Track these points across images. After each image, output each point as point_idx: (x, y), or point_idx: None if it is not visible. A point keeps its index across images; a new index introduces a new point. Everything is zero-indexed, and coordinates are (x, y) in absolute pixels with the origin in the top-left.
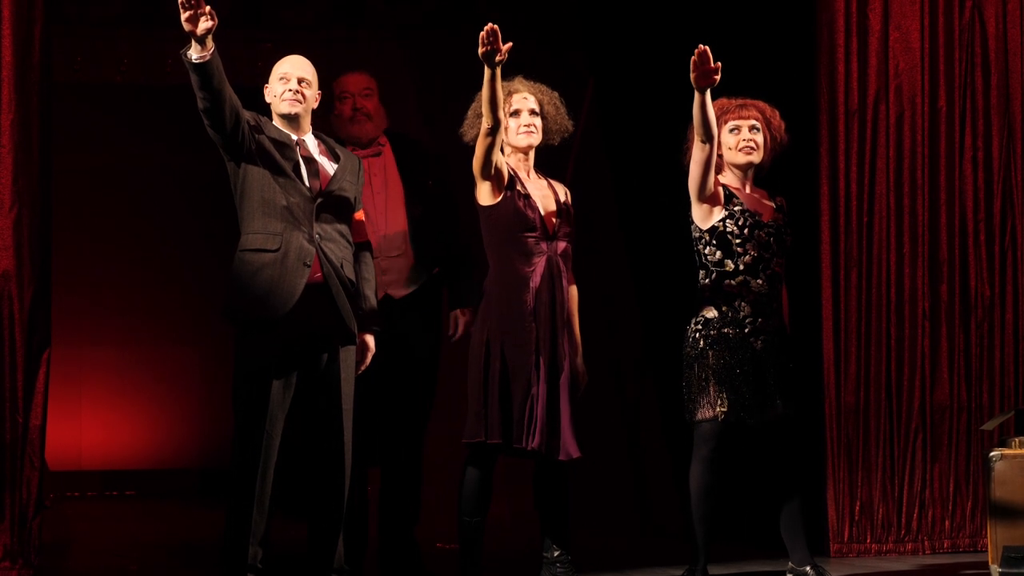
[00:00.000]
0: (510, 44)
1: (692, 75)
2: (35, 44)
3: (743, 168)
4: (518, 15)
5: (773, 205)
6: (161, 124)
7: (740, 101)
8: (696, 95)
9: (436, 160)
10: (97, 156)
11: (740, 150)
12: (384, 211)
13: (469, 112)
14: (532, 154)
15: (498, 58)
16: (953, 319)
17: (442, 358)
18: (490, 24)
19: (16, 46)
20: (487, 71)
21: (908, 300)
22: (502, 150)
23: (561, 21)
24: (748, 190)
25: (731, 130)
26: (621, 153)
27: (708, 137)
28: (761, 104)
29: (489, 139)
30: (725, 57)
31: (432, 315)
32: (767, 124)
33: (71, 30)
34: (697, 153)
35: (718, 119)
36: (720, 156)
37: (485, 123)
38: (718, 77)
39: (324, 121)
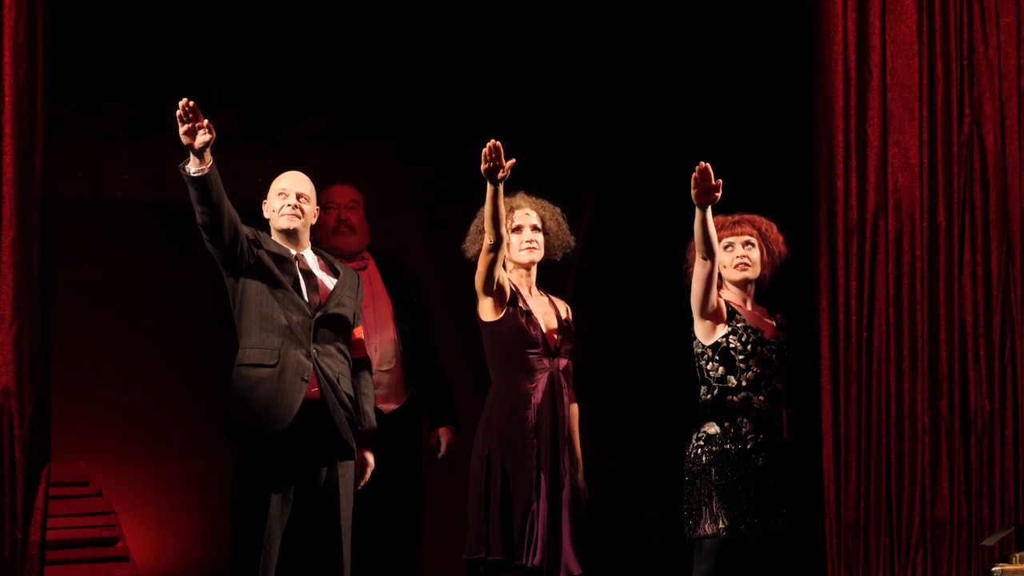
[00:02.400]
0: (513, 161)
1: (693, 192)
2: (36, 160)
3: (740, 285)
4: (519, 130)
5: (773, 323)
6: (161, 239)
7: (735, 217)
8: (697, 212)
9: (415, 277)
10: (97, 271)
11: (735, 267)
12: (375, 325)
13: (471, 228)
14: (534, 270)
15: (500, 175)
16: (953, 434)
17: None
18: (493, 141)
19: (17, 162)
20: (489, 188)
21: (908, 415)
22: (504, 266)
23: (562, 137)
24: (749, 307)
25: (725, 247)
26: (621, 269)
27: (709, 254)
28: (756, 219)
29: (491, 255)
30: (726, 173)
31: (415, 431)
32: (763, 239)
33: (72, 145)
34: (699, 270)
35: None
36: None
37: (487, 239)
38: (719, 194)
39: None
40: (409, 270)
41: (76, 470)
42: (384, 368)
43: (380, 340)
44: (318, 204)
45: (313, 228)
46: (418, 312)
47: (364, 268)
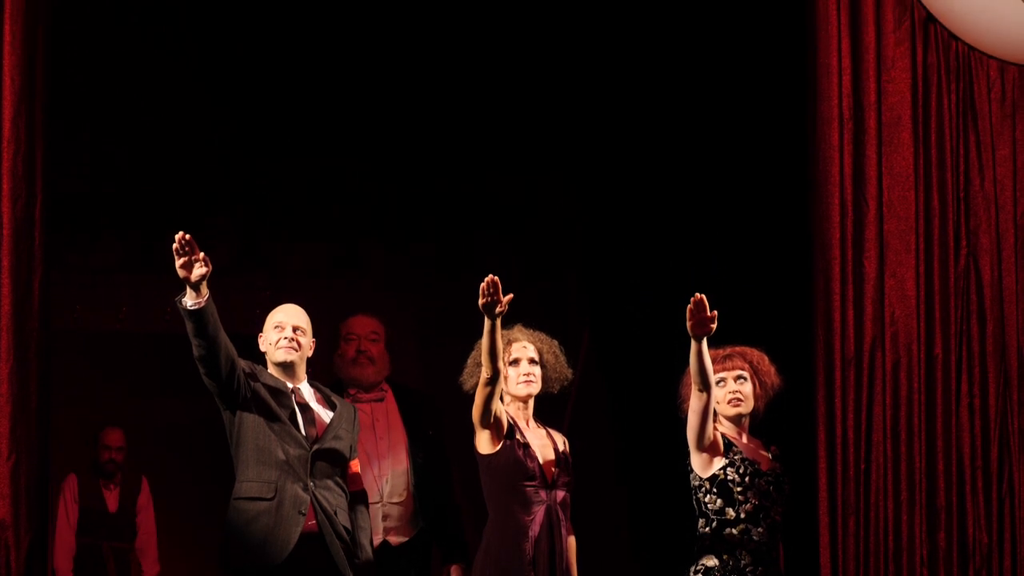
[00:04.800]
0: (510, 296)
1: (688, 324)
2: (34, 292)
3: (734, 419)
4: (517, 262)
5: (769, 455)
6: (158, 372)
7: (726, 351)
8: (692, 344)
9: (433, 410)
10: (95, 403)
11: (728, 403)
12: (388, 456)
13: (469, 361)
14: (531, 403)
15: (498, 309)
16: (951, 567)
17: None
18: (490, 276)
19: (15, 295)
20: (487, 322)
21: (906, 547)
22: (501, 399)
23: (560, 269)
24: (745, 439)
25: (718, 382)
26: (618, 402)
27: (705, 386)
28: (748, 351)
29: (488, 388)
30: (723, 305)
31: (424, 566)
32: (755, 371)
33: (70, 277)
34: (695, 402)
35: None
36: None
37: (484, 373)
38: (714, 326)
39: (327, 362)
40: (428, 402)
41: None
42: (395, 500)
43: (393, 472)
44: (339, 336)
45: (333, 358)
46: (433, 446)
47: (382, 399)
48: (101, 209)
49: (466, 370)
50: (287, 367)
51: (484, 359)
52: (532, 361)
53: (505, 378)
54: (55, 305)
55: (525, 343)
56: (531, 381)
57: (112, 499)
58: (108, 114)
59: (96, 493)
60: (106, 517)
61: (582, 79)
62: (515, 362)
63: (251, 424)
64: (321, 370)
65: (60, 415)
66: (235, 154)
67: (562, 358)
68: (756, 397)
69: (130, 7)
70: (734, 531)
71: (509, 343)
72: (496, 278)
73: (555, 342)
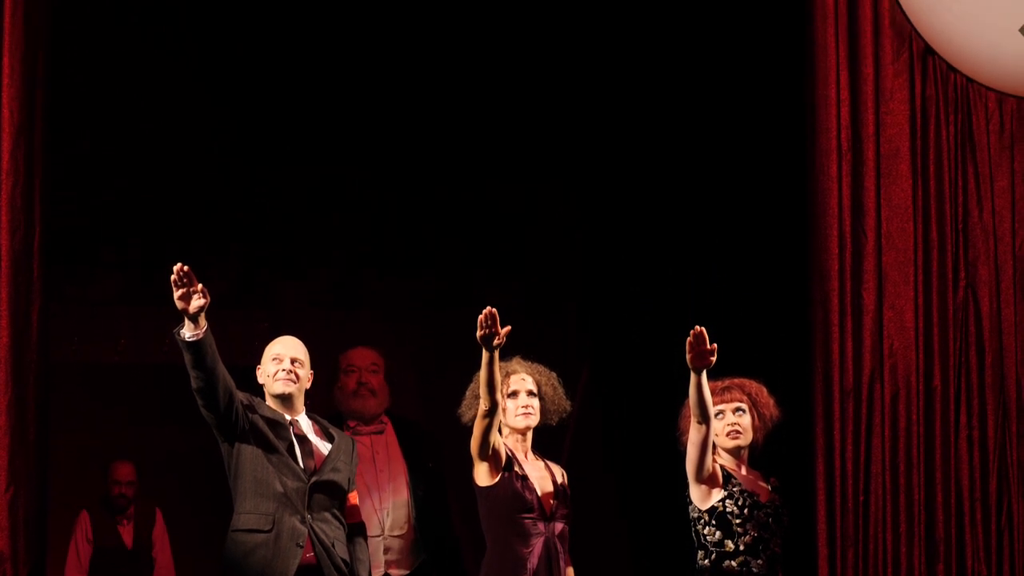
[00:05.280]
0: (508, 328)
1: (688, 356)
2: (32, 324)
3: (733, 452)
4: (516, 294)
5: (768, 486)
6: (157, 403)
7: (724, 383)
8: (692, 376)
9: (433, 442)
10: (93, 435)
11: (727, 435)
12: (389, 489)
13: (467, 393)
14: (530, 435)
15: (496, 341)
16: None
17: None
18: (488, 308)
19: (13, 327)
20: (485, 354)
21: None
22: (500, 431)
23: (559, 302)
24: (744, 471)
25: (716, 414)
26: (617, 433)
27: (704, 418)
28: (746, 383)
29: (487, 421)
30: (722, 337)
31: None
32: (753, 404)
33: (68, 309)
34: (694, 434)
35: None
36: None
37: (483, 405)
38: (714, 358)
39: (324, 395)
40: (428, 434)
41: None
42: (396, 533)
43: (394, 504)
44: (339, 368)
45: (334, 390)
46: (434, 478)
47: (382, 432)
48: (99, 242)
49: (464, 402)
50: (285, 399)
51: (482, 391)
52: (530, 393)
53: (503, 410)
54: (53, 337)
55: (523, 375)
56: (529, 413)
57: (127, 534)
58: (107, 146)
59: (111, 530)
60: (124, 554)
61: (575, 113)
62: (513, 394)
63: (249, 456)
64: (319, 402)
65: (60, 446)
66: (234, 187)
67: (560, 390)
68: (755, 429)
69: (129, 39)
70: (733, 563)
71: (507, 375)
72: (494, 310)
73: (553, 374)
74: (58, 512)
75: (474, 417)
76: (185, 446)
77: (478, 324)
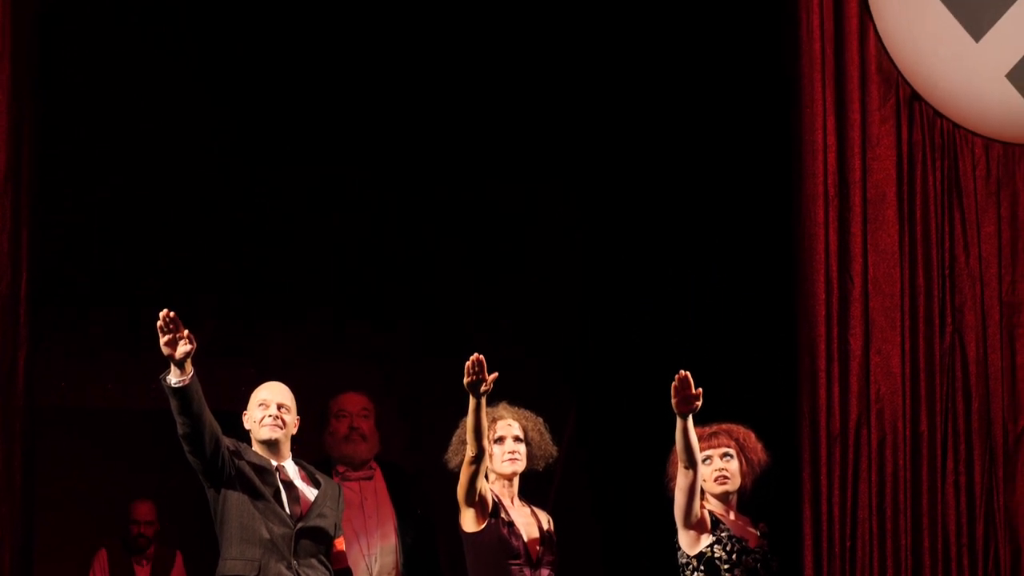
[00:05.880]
0: (495, 375)
1: (673, 401)
2: (19, 369)
3: (721, 497)
4: (502, 341)
5: (757, 532)
6: (143, 448)
7: (712, 428)
8: (678, 421)
9: (422, 488)
10: (80, 480)
11: (715, 480)
12: (377, 535)
13: (454, 439)
14: (516, 481)
15: (483, 388)
16: None
17: None
18: (476, 355)
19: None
20: (472, 400)
21: None
22: (486, 476)
23: (545, 346)
24: (732, 516)
25: (704, 460)
26: (604, 479)
27: (691, 463)
28: (734, 428)
29: (473, 467)
30: (708, 382)
31: None
32: (741, 449)
33: (55, 354)
34: (681, 480)
35: None
36: None
37: (469, 451)
38: (699, 403)
39: (311, 440)
40: (415, 480)
41: None
42: None
43: (381, 549)
44: (329, 413)
45: (324, 436)
46: (422, 525)
47: (371, 477)
48: (86, 287)
49: (451, 448)
50: (272, 445)
51: (469, 437)
52: (517, 439)
53: (490, 456)
54: (39, 382)
55: (510, 421)
56: (516, 459)
57: (144, 575)
58: (95, 193)
59: (128, 570)
60: None
61: (575, 114)
62: (500, 440)
63: (235, 502)
64: (306, 448)
65: (49, 491)
66: (219, 232)
67: (547, 436)
68: (743, 474)
69: (118, 85)
70: None
71: (494, 421)
72: (481, 357)
73: (540, 420)
74: (43, 554)
75: (461, 463)
76: (173, 490)
77: (465, 370)
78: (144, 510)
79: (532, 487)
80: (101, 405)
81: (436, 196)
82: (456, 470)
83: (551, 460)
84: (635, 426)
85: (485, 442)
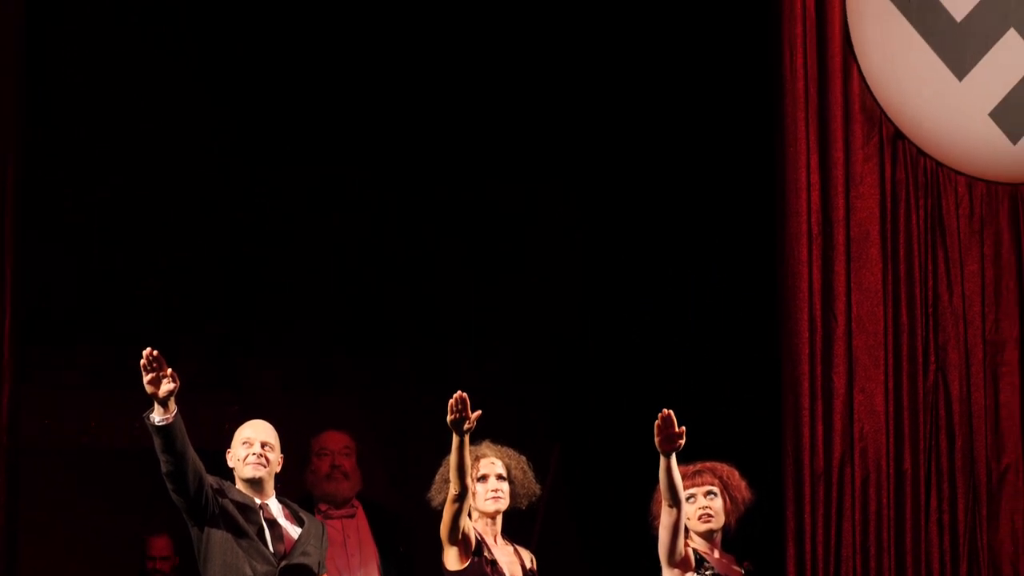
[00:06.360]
0: (479, 413)
1: (656, 440)
2: (3, 407)
3: (705, 535)
4: (485, 378)
5: (742, 570)
6: (127, 487)
7: (696, 466)
8: (662, 459)
9: (404, 526)
10: (63, 518)
11: (699, 519)
12: (360, 573)
13: (437, 477)
14: (499, 519)
15: (466, 426)
16: None
17: None
18: (459, 393)
19: None
20: (455, 438)
21: None
22: (469, 515)
23: (529, 385)
24: (717, 555)
25: (688, 498)
26: (588, 518)
27: (675, 502)
28: (718, 466)
29: (456, 505)
30: (691, 420)
31: None
32: (725, 487)
33: (39, 392)
34: (665, 518)
35: None
36: None
37: (452, 490)
38: (682, 442)
39: (294, 478)
40: (398, 517)
41: None
42: None
43: None
44: (311, 452)
45: (306, 474)
46: (405, 563)
47: (353, 516)
48: (70, 326)
49: (434, 486)
50: (255, 483)
51: (452, 475)
52: (500, 477)
53: (473, 494)
54: (23, 420)
55: (493, 459)
56: (499, 497)
57: None
58: (78, 230)
59: None
60: None
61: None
62: (483, 478)
63: (219, 540)
64: (289, 486)
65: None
66: (201, 269)
67: (530, 474)
68: (727, 512)
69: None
70: None
71: (477, 459)
72: (464, 394)
73: (523, 458)
74: None
75: (444, 501)
76: (157, 529)
77: (448, 408)
78: (160, 545)
79: (515, 525)
80: (83, 442)
81: (432, 203)
82: (439, 508)
83: (534, 498)
84: (619, 464)
85: (468, 480)
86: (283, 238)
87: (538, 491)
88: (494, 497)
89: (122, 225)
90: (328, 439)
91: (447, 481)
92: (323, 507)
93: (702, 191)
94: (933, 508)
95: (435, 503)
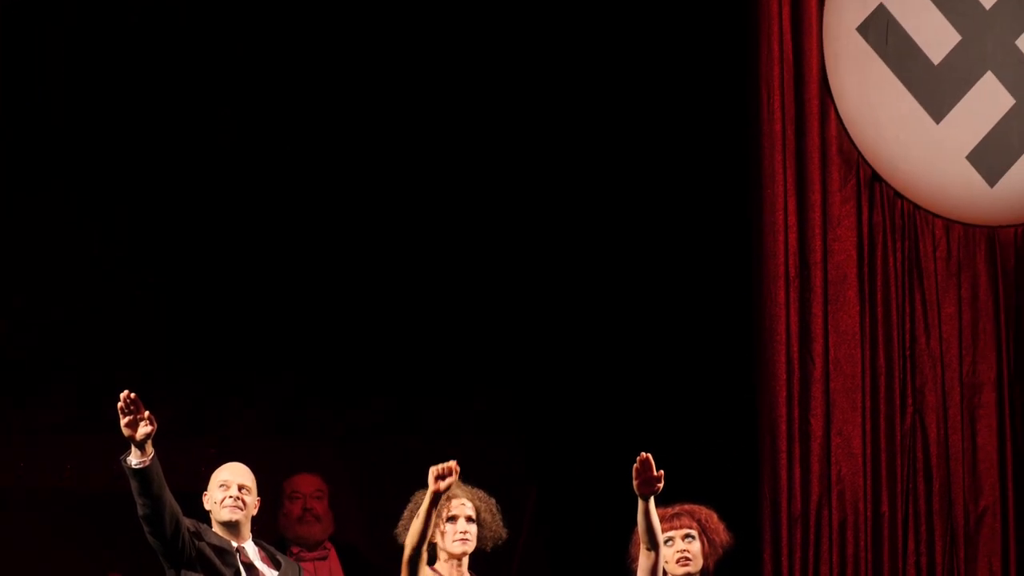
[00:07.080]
0: (457, 471)
1: (635, 483)
2: None
3: None
4: (460, 420)
5: None
6: (103, 531)
7: (674, 509)
8: (640, 503)
9: (376, 568)
10: (38, 562)
11: (677, 562)
12: None
13: (405, 513)
14: (466, 560)
15: (443, 485)
16: None
17: None
18: (453, 463)
19: None
20: (429, 495)
21: None
22: (436, 556)
23: (503, 426)
24: None
25: (666, 541)
26: (564, 562)
27: (653, 544)
28: (696, 509)
29: (414, 552)
30: (669, 463)
31: None
32: (703, 529)
33: (14, 436)
34: (643, 561)
35: None
36: None
37: (413, 540)
38: (661, 484)
39: (270, 521)
40: (370, 561)
41: None
42: None
43: None
44: (283, 495)
45: (278, 516)
46: None
47: (325, 558)
48: (45, 368)
49: (402, 522)
50: (232, 526)
51: (415, 526)
52: (470, 519)
53: (442, 534)
54: None
55: (464, 500)
56: (467, 539)
57: None
58: (52, 273)
59: None
60: None
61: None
62: (452, 519)
63: None
64: (263, 528)
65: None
66: (176, 312)
67: (498, 517)
68: (705, 555)
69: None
70: None
71: (448, 499)
72: (455, 466)
73: (492, 500)
74: None
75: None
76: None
77: (431, 475)
78: None
79: (492, 569)
80: (60, 486)
81: (403, 251)
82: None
83: (500, 542)
84: (596, 506)
85: (430, 535)
86: (258, 287)
87: (504, 535)
88: (462, 539)
89: (97, 271)
90: (300, 482)
91: (415, 515)
92: (295, 550)
93: (679, 232)
94: (911, 551)
95: (402, 539)
